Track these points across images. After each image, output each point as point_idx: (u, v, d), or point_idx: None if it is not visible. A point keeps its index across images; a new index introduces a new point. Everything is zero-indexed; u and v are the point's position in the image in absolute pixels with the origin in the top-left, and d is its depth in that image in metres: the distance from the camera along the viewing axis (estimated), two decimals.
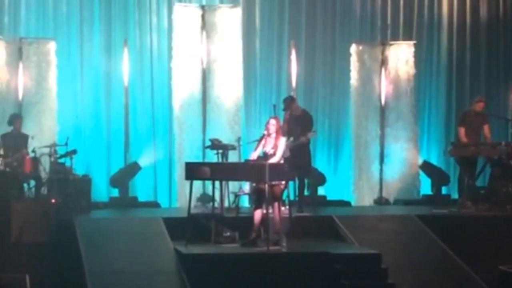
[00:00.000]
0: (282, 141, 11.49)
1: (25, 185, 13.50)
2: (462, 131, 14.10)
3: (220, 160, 13.30)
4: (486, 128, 14.20)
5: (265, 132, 11.51)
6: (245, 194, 13.52)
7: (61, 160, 13.75)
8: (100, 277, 10.49)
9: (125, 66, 15.33)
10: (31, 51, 14.94)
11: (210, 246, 11.41)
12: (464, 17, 17.12)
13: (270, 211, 11.25)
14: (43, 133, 14.57)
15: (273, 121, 11.54)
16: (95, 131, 15.62)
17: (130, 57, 15.43)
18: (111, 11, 15.76)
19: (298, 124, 13.36)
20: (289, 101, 13.64)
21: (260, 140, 11.63)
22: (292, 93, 15.25)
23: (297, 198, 13.40)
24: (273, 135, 11.46)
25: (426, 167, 16.09)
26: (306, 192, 14.69)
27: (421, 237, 12.38)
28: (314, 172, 15.18)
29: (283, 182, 11.44)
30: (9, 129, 13.96)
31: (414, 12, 16.97)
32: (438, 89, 17.03)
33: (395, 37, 16.66)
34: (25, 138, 13.92)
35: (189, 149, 15.15)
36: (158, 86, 15.87)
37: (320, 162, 16.12)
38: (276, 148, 11.40)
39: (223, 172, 11.62)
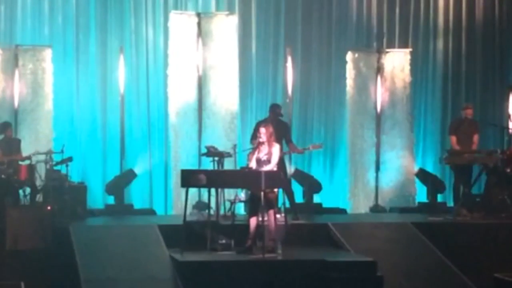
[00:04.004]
0: (277, 148, 11.49)
1: (21, 192, 13.49)
2: (453, 139, 14.19)
3: (216, 167, 13.30)
4: (475, 138, 14.30)
5: (260, 140, 11.50)
6: (241, 201, 13.50)
7: (57, 167, 13.74)
8: (95, 285, 10.47)
9: (121, 73, 15.33)
10: (27, 58, 14.95)
11: (205, 254, 11.38)
12: (459, 25, 17.15)
13: (266, 218, 11.24)
14: (39, 140, 14.59)
15: (262, 129, 11.48)
16: (91, 138, 15.62)
17: (126, 65, 15.42)
18: (107, 18, 15.77)
19: (276, 132, 13.27)
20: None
21: (255, 149, 11.61)
22: (287, 101, 15.26)
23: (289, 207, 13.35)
24: (267, 142, 11.44)
25: (422, 174, 16.07)
26: (302, 200, 14.73)
27: (416, 244, 12.38)
28: (310, 180, 15.20)
29: (275, 190, 11.43)
30: (0, 137, 13.94)
31: (410, 20, 17.00)
32: (434, 96, 17.04)
33: (391, 45, 16.69)
34: (17, 142, 13.97)
35: (184, 156, 15.12)
36: (154, 93, 15.87)
37: (316, 169, 16.13)
38: (270, 155, 11.39)
39: (219, 179, 11.60)
